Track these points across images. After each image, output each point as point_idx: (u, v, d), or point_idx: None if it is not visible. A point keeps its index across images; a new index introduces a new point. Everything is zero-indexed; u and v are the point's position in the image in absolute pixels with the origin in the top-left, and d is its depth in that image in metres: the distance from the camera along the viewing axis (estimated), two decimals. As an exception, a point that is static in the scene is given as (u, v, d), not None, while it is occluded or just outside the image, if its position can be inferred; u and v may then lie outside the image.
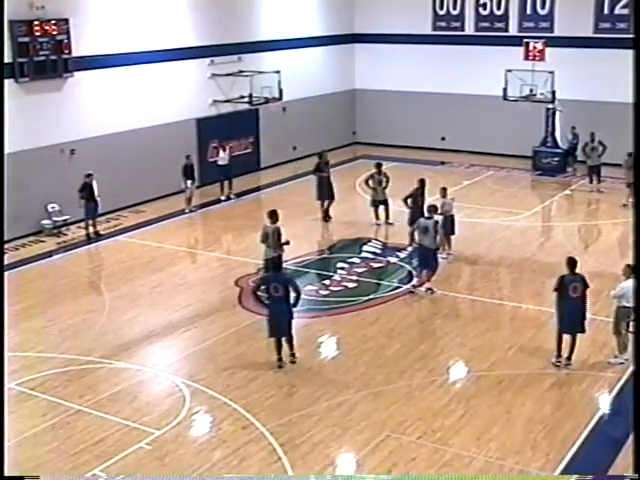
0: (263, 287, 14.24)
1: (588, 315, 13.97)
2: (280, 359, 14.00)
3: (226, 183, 25.00)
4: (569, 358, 13.77)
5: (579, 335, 13.80)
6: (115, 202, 23.12)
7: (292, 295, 13.91)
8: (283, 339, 14.05)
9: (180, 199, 23.86)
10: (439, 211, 17.99)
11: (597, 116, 27.27)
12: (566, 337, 13.79)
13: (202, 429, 12.20)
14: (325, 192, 22.42)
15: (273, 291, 13.81)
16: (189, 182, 23.56)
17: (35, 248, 20.77)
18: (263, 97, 26.43)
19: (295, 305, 13.99)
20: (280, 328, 13.92)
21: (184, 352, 14.74)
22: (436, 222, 17.21)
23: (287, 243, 16.79)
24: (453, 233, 19.32)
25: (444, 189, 19.43)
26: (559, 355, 13.82)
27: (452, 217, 19.22)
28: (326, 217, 22.39)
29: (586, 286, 13.59)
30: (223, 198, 24.85)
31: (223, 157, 25.04)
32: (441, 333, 15.50)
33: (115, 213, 23.30)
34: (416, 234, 17.55)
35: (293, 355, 14.14)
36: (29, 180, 21.05)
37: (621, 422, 12.16)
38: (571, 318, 13.59)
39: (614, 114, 26.18)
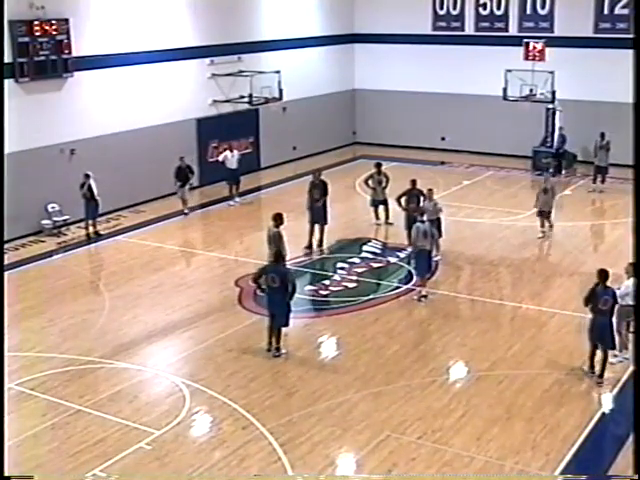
0: (262, 277, 14.39)
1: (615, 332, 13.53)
2: (270, 343, 14.38)
3: (233, 187, 24.72)
4: (601, 376, 13.26)
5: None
6: (115, 202, 23.12)
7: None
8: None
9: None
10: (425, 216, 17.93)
11: (597, 116, 27.28)
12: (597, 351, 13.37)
13: (202, 429, 12.19)
14: (315, 216, 20.04)
15: (270, 281, 14.11)
16: (178, 184, 23.29)
17: (35, 248, 20.76)
18: (263, 97, 26.42)
19: (290, 298, 14.22)
20: (275, 317, 14.24)
21: (184, 352, 14.74)
22: (435, 222, 17.33)
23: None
24: (440, 236, 19.27)
25: (430, 191, 19.29)
26: (592, 366, 13.36)
27: (439, 220, 19.14)
28: (310, 246, 19.94)
29: (615, 302, 13.08)
30: (232, 203, 24.54)
31: (231, 160, 24.81)
32: (441, 333, 15.49)
33: (115, 213, 23.30)
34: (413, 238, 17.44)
35: (278, 349, 14.34)
36: (29, 180, 21.05)
37: (621, 422, 12.16)
38: (602, 332, 13.08)
39: (614, 114, 26.21)
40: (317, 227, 20.19)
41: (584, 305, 13.31)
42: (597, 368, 13.35)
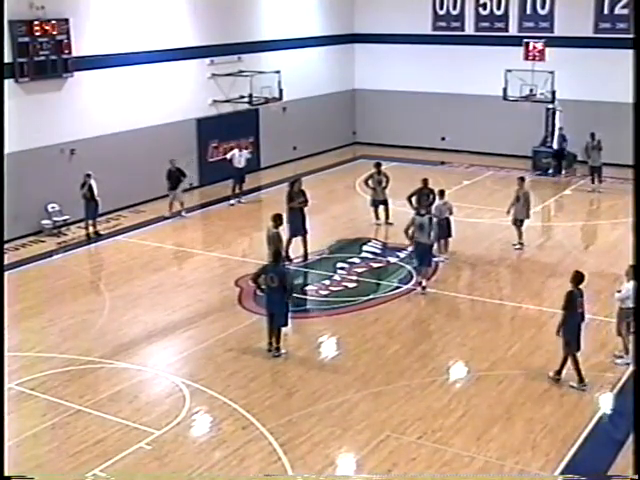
0: (262, 277, 14.44)
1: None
2: (270, 343, 14.39)
3: (237, 186, 24.67)
4: (559, 372, 13.20)
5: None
6: (115, 202, 23.11)
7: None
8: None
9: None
10: (433, 213, 18.03)
11: (597, 116, 27.28)
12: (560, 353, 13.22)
13: (202, 429, 12.19)
14: (297, 227, 19.07)
15: (269, 281, 14.15)
16: (168, 185, 23.06)
17: (35, 248, 20.76)
18: (263, 97, 26.41)
19: (289, 298, 14.32)
20: (274, 317, 14.29)
21: (184, 352, 14.74)
22: (430, 219, 17.39)
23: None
24: (450, 236, 19.27)
25: (441, 192, 19.36)
26: (582, 379, 13.09)
27: (448, 220, 19.14)
28: (289, 257, 18.76)
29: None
30: (233, 203, 24.53)
31: (239, 158, 24.72)
32: (441, 333, 15.49)
33: (115, 213, 23.29)
34: (410, 231, 17.50)
35: (278, 349, 14.36)
36: (29, 180, 21.05)
37: (621, 422, 12.15)
38: (579, 334, 13.03)
39: (614, 114, 26.21)
40: (299, 239, 19.18)
41: (564, 308, 12.96)
42: (556, 367, 13.23)
